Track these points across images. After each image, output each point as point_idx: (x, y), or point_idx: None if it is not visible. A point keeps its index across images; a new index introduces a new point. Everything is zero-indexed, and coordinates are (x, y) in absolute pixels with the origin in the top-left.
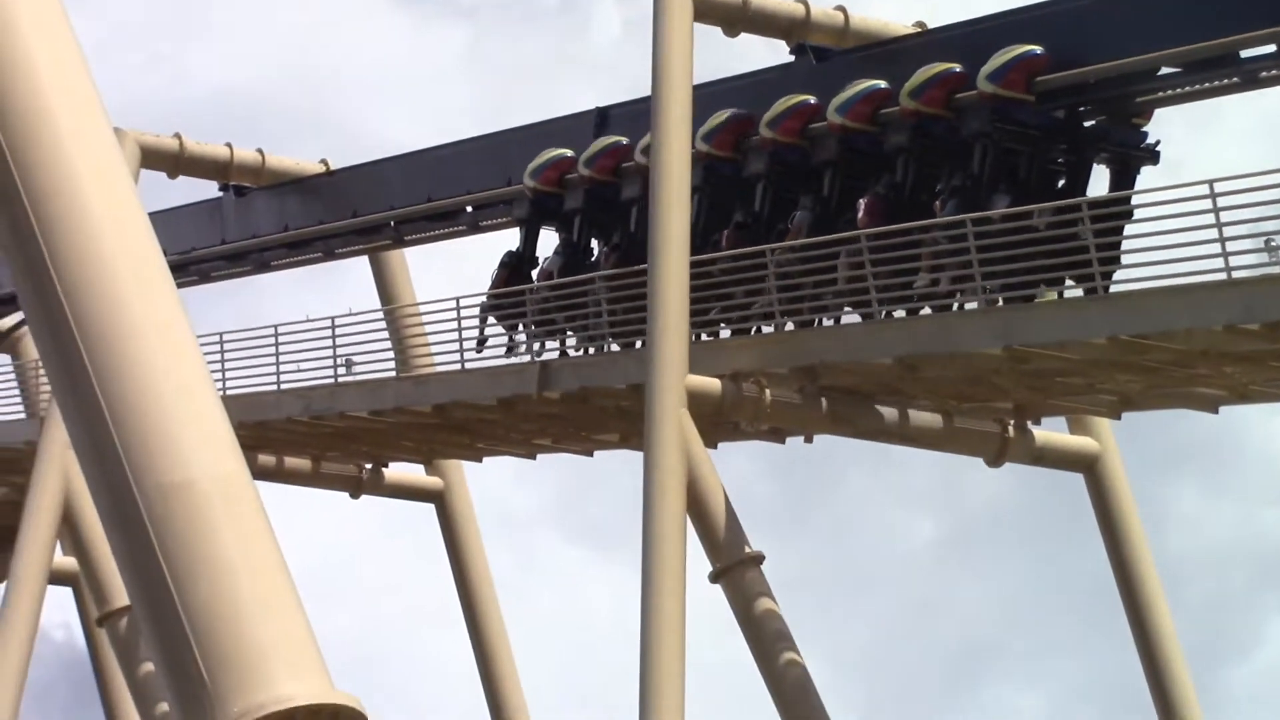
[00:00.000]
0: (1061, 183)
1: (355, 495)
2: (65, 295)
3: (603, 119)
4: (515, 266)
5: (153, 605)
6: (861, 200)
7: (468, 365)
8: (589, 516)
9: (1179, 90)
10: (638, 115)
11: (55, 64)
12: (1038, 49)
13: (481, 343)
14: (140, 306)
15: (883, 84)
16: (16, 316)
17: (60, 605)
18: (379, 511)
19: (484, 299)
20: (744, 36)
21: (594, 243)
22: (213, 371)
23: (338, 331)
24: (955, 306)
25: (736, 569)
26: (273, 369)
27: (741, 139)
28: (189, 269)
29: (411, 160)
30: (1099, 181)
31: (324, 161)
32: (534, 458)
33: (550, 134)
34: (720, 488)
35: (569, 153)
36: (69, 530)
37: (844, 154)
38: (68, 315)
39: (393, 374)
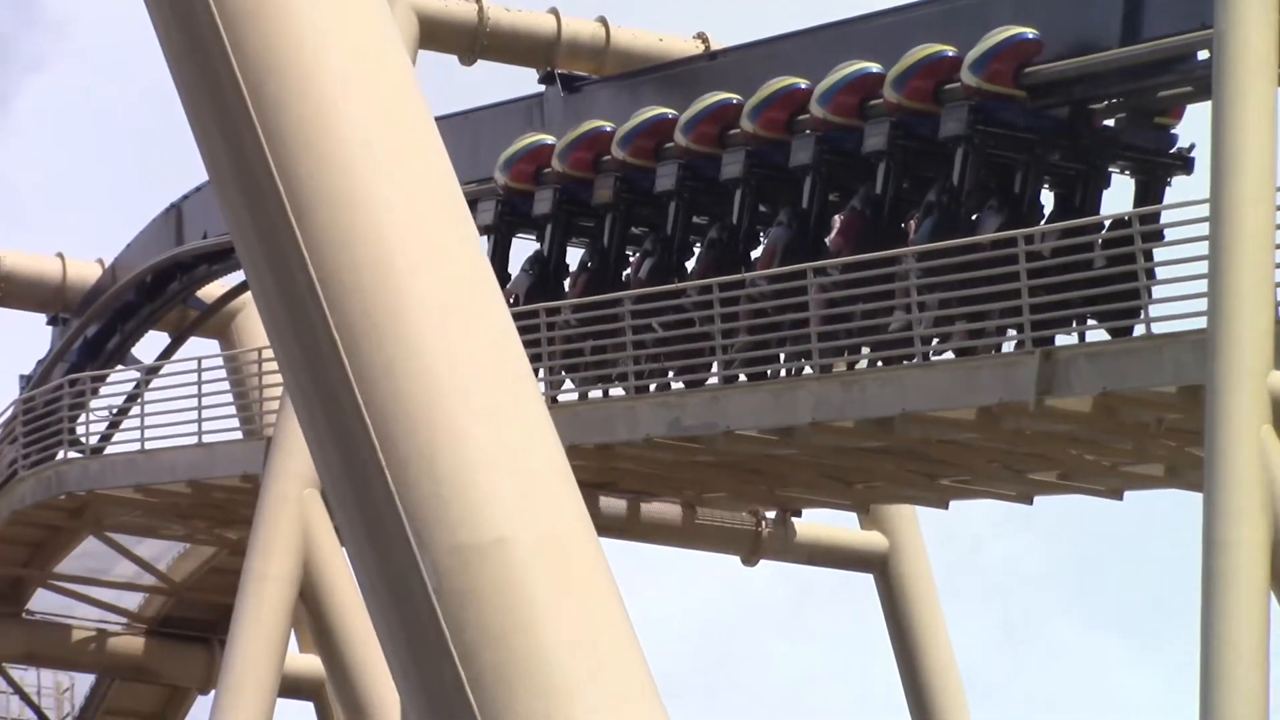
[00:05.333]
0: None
1: (750, 560)
2: (308, 251)
3: None
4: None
5: None
6: (836, 217)
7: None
8: (1114, 587)
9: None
10: None
11: None
12: (1029, 32)
13: None
14: (426, 273)
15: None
16: (233, 279)
17: None
18: (788, 578)
19: None
20: None
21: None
22: (533, 366)
23: (724, 305)
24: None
25: None
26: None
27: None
28: None
29: (837, 32)
30: (1123, 194)
31: (701, 36)
32: (1030, 501)
33: None
34: None
35: (549, 139)
36: (310, 615)
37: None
38: (314, 282)
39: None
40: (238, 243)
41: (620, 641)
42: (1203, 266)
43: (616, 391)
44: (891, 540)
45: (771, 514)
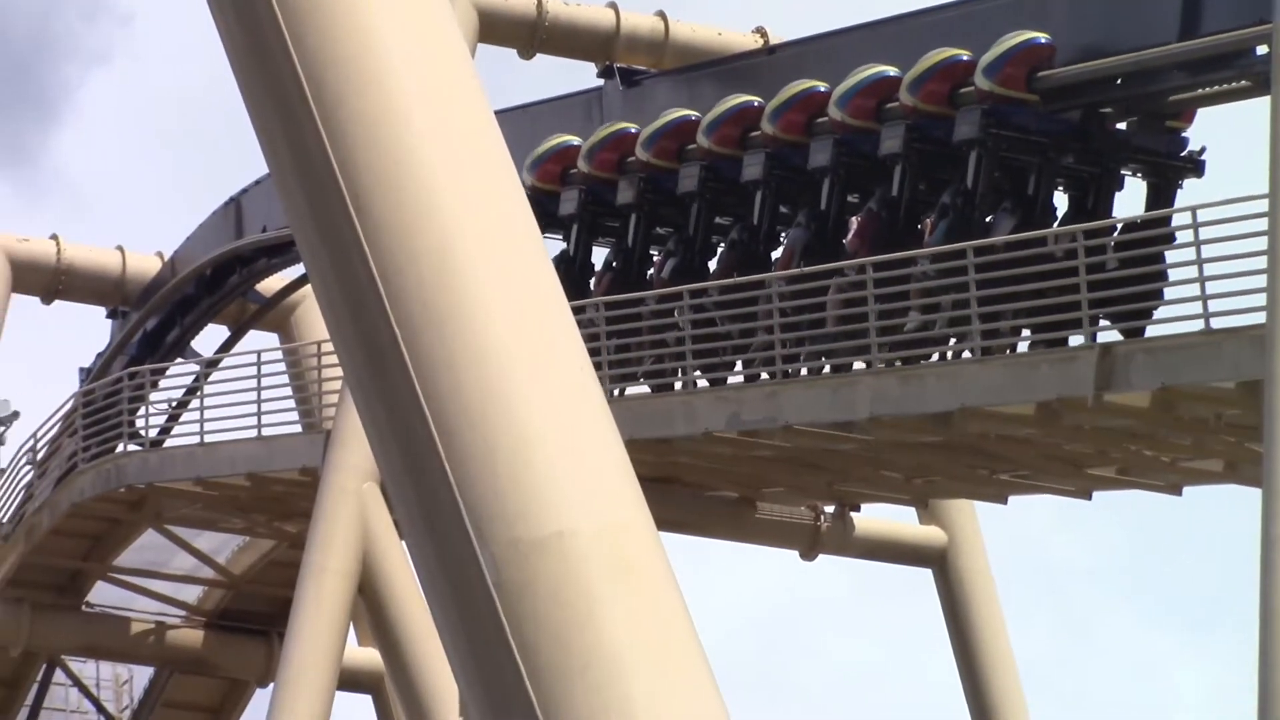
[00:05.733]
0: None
1: (809, 555)
2: (369, 244)
3: None
4: None
5: None
6: (853, 219)
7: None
8: (1173, 583)
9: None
10: None
11: None
12: (1042, 37)
13: None
14: (487, 266)
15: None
16: (292, 272)
17: None
18: (846, 573)
19: None
20: None
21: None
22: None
23: (782, 298)
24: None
25: None
26: (680, 355)
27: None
28: None
29: (899, 26)
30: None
31: (760, 31)
32: (1089, 496)
33: None
34: None
35: (575, 140)
36: (369, 608)
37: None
38: (374, 275)
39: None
40: (298, 236)
41: (679, 635)
42: (1262, 261)
43: (639, 389)
44: (950, 535)
45: (830, 508)
